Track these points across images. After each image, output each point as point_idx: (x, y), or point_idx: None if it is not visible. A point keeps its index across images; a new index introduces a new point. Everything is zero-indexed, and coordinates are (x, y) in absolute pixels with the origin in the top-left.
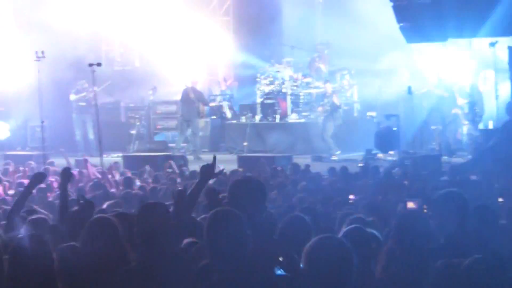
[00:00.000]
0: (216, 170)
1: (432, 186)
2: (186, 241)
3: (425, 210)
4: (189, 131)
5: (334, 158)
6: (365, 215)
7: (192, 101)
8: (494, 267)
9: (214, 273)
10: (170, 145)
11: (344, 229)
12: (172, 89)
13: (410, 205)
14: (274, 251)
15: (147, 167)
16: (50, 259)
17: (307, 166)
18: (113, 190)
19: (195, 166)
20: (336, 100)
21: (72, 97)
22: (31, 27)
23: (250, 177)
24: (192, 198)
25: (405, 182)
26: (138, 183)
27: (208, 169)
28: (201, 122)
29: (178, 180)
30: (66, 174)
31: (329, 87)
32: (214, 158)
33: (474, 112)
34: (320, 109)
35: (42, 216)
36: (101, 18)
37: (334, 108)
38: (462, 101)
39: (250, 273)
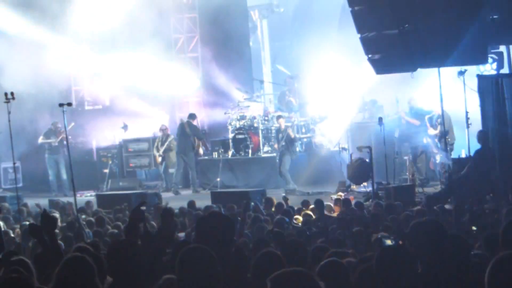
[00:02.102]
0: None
1: (406, 216)
2: (165, 277)
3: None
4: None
5: (297, 189)
6: (340, 247)
7: (188, 135)
8: None
9: None
10: (145, 183)
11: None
12: (143, 127)
13: (388, 242)
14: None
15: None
16: None
17: (285, 198)
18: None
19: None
20: (291, 133)
21: (40, 139)
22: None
23: (216, 212)
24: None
25: (379, 213)
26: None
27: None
28: (173, 159)
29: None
30: (49, 221)
31: (282, 122)
32: (142, 203)
33: (446, 141)
34: (276, 146)
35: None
36: (71, 58)
37: (290, 141)
38: (432, 131)
39: None
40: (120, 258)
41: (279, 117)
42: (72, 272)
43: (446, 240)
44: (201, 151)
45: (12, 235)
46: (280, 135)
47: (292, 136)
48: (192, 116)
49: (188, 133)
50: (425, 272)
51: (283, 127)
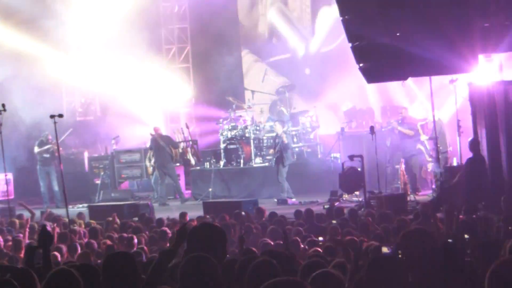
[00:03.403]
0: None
1: (397, 225)
2: None
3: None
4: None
5: (293, 200)
6: (331, 256)
7: (162, 147)
8: None
9: None
10: (137, 194)
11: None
12: (134, 137)
13: (384, 249)
14: None
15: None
16: None
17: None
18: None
19: (161, 214)
20: (284, 139)
21: (36, 149)
22: None
23: (208, 223)
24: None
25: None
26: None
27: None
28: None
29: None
30: (46, 235)
31: (279, 128)
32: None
33: (437, 149)
34: (271, 151)
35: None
36: (61, 69)
37: (284, 148)
38: (425, 137)
39: None
40: (117, 270)
41: (277, 121)
42: (57, 285)
43: (437, 249)
44: (192, 161)
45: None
46: (277, 140)
47: (286, 141)
48: (157, 129)
49: (162, 145)
50: (416, 281)
51: (279, 132)
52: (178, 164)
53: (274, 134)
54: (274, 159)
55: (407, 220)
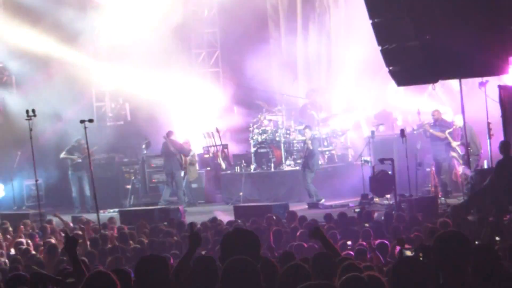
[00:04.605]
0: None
1: (429, 228)
2: None
3: (420, 258)
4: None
5: (323, 202)
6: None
7: (173, 154)
8: None
9: None
10: (168, 198)
11: (342, 278)
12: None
13: (408, 253)
14: None
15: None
16: None
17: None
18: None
19: (192, 218)
20: (310, 145)
21: (62, 155)
22: (23, 86)
23: (241, 229)
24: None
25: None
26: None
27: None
28: (194, 173)
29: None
30: (69, 242)
31: (307, 133)
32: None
33: (469, 152)
34: (301, 154)
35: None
36: (92, 74)
37: (309, 155)
38: (455, 144)
39: None
40: (149, 273)
41: (306, 127)
42: None
43: (471, 252)
44: (223, 165)
45: (34, 252)
46: (306, 145)
47: (311, 148)
48: (170, 133)
49: (173, 151)
50: (447, 283)
51: (307, 138)
52: (209, 168)
53: (304, 138)
54: (301, 165)
55: (439, 223)
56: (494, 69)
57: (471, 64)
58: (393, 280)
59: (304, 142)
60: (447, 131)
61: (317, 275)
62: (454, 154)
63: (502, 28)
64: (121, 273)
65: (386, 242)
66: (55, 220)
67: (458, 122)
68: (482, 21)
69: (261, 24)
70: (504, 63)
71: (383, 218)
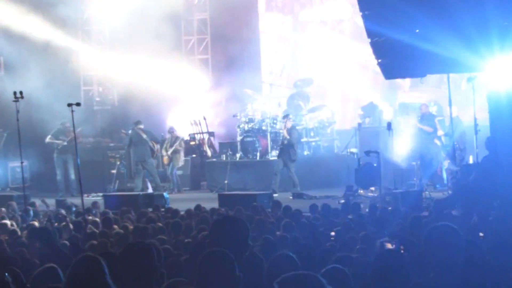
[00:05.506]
0: None
1: (412, 222)
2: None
3: (402, 251)
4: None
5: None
6: (346, 252)
7: (145, 141)
8: None
9: None
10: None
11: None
12: (151, 128)
13: (388, 245)
14: None
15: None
16: None
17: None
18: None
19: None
20: (286, 135)
21: (48, 139)
22: (11, 67)
23: (231, 216)
24: None
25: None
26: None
27: None
28: (180, 161)
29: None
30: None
31: (288, 123)
32: None
33: (454, 147)
34: (277, 148)
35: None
36: (80, 58)
37: (289, 143)
38: (441, 133)
39: None
40: (135, 259)
41: (285, 116)
42: (84, 272)
43: (462, 246)
44: (209, 153)
45: (19, 234)
46: (282, 136)
47: (288, 138)
48: (139, 123)
49: (145, 138)
50: (437, 277)
51: (285, 128)
52: (194, 155)
53: (279, 129)
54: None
55: (421, 217)
56: (482, 65)
57: (459, 59)
58: (374, 273)
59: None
60: (437, 118)
61: (301, 266)
62: (437, 142)
63: (491, 24)
64: (109, 257)
65: (370, 234)
66: (38, 202)
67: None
68: (471, 17)
69: (251, 11)
70: (492, 59)
71: (367, 210)
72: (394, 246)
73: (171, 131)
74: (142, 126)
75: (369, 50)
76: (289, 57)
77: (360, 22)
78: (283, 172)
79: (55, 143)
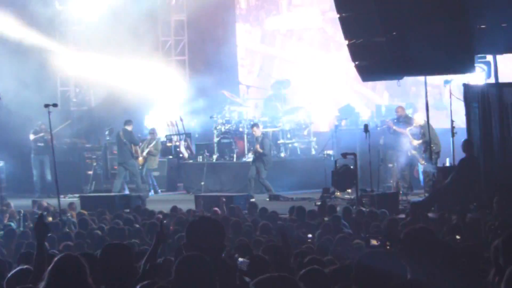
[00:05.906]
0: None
1: (389, 224)
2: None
3: (388, 247)
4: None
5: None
6: (321, 254)
7: (124, 143)
8: None
9: None
10: (129, 186)
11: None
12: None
13: (373, 242)
14: None
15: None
16: None
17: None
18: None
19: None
20: (258, 149)
21: (32, 136)
22: None
23: (206, 217)
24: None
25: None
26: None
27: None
28: (154, 163)
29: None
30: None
31: (256, 131)
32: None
33: (430, 150)
34: (250, 154)
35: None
36: (57, 59)
37: (263, 153)
38: (416, 143)
39: None
40: (114, 260)
41: (253, 125)
42: (64, 271)
43: (439, 248)
44: (185, 154)
45: None
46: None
47: (260, 151)
48: (127, 122)
49: (125, 141)
50: (414, 278)
51: (258, 135)
52: (171, 156)
53: (267, 130)
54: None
55: (398, 220)
56: (459, 68)
57: (436, 62)
58: (358, 270)
59: (257, 139)
60: (408, 128)
61: (276, 268)
62: (414, 152)
63: (468, 27)
64: (89, 257)
65: (347, 236)
66: (13, 203)
67: (418, 120)
68: (448, 20)
69: (228, 13)
70: (469, 62)
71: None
72: (379, 243)
73: (151, 132)
74: (129, 128)
75: (338, 58)
76: (267, 58)
77: (330, 30)
78: (256, 177)
79: (38, 138)
